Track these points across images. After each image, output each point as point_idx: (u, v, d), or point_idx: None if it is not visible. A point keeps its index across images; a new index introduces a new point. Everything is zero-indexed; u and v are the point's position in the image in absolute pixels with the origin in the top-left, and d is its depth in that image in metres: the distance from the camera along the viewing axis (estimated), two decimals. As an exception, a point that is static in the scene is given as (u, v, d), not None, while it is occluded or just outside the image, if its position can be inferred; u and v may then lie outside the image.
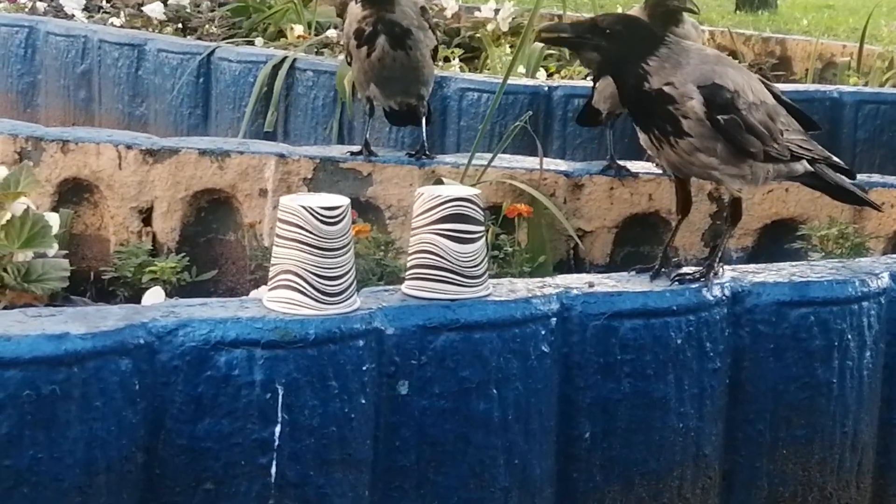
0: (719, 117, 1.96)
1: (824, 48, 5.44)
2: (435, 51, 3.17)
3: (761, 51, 5.63)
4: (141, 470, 1.65)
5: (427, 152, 3.09)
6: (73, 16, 5.54)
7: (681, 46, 2.01)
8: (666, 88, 1.96)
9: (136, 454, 1.64)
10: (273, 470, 1.69)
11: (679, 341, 1.95)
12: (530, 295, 1.90)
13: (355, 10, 3.07)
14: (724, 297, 2.01)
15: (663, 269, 2.04)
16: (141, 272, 2.79)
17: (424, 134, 3.13)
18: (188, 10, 5.88)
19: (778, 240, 2.96)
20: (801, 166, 2.12)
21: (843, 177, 2.21)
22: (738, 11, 9.72)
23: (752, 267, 2.18)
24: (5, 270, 2.14)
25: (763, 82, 2.12)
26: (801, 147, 2.10)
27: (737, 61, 2.22)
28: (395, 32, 3.01)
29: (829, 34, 7.96)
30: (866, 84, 4.83)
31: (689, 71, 1.97)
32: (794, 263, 2.20)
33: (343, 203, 1.80)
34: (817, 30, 8.02)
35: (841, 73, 5.01)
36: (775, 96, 2.11)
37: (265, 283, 1.92)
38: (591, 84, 3.42)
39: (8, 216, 2.21)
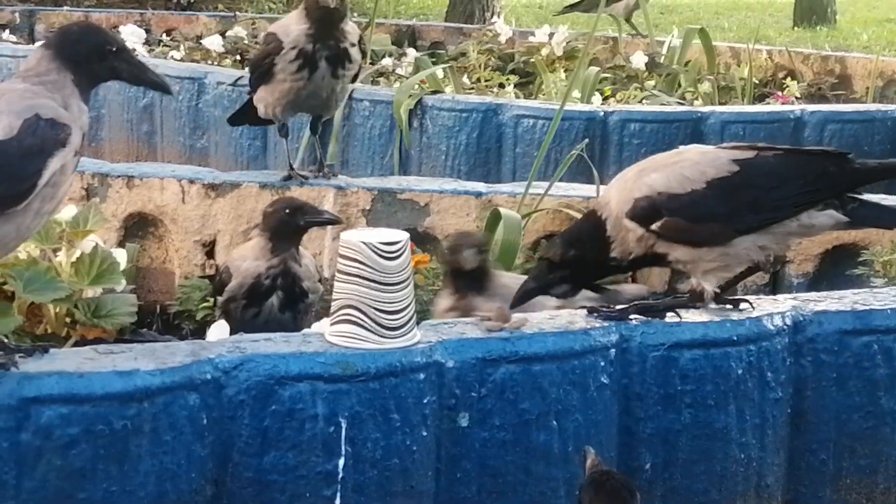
0: (653, 227, 1.95)
1: (885, 65, 5.37)
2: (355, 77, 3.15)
3: (820, 69, 5.58)
4: (210, 502, 1.68)
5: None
6: (134, 50, 5.67)
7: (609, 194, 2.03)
8: (616, 254, 1.98)
9: (206, 487, 1.68)
10: (338, 502, 1.72)
11: (740, 371, 1.95)
12: (589, 326, 1.91)
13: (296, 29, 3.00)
14: (785, 327, 2.00)
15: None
16: (205, 305, 2.85)
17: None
18: (246, 42, 5.98)
19: (839, 265, 2.93)
20: (825, 216, 1.97)
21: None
22: (796, 28, 9.63)
23: (813, 295, 2.16)
24: (76, 306, 2.20)
25: (757, 146, 2.02)
26: (806, 195, 1.96)
27: (694, 148, 2.11)
28: (336, 55, 2.99)
29: (890, 49, 7.85)
30: (929, 101, 4.77)
31: (617, 206, 1.98)
32: (856, 291, 2.18)
33: (402, 238, 1.83)
34: (878, 45, 7.91)
35: (902, 91, 4.96)
36: (783, 149, 2.01)
37: (326, 315, 1.96)
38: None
39: (78, 253, 2.28)
